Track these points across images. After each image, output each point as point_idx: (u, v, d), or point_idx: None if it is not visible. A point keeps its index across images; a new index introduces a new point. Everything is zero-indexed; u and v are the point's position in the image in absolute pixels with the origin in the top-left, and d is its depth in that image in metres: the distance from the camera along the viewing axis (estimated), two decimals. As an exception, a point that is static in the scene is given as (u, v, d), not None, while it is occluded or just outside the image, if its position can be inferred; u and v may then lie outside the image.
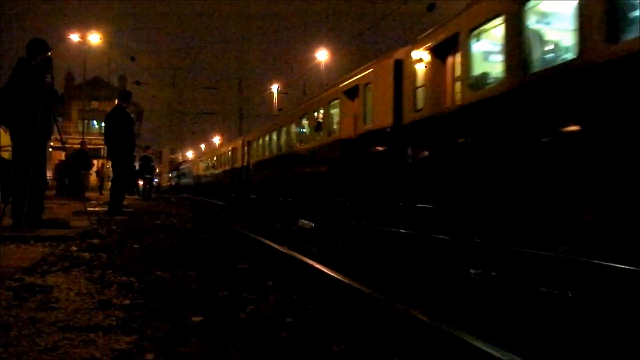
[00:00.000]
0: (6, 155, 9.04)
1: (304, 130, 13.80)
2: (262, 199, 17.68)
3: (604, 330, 3.24)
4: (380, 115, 8.93)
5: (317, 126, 12.48)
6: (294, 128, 14.82)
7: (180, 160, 69.19)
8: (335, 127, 11.40)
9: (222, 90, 67.35)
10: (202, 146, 74.59)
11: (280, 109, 32.80)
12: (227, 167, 25.75)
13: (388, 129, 8.61)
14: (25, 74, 5.76)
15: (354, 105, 10.36)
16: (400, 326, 2.78)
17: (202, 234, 7.50)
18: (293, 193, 13.94)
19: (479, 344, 2.27)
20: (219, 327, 2.56)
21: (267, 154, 18.16)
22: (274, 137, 17.07)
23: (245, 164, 21.59)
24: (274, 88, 40.47)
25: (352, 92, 10.38)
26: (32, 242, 4.92)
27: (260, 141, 19.29)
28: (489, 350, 2.19)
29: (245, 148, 21.69)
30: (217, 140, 67.03)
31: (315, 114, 12.61)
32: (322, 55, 34.01)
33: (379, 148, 8.98)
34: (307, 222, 11.32)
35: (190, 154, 74.75)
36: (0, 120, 6.76)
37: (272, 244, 5.89)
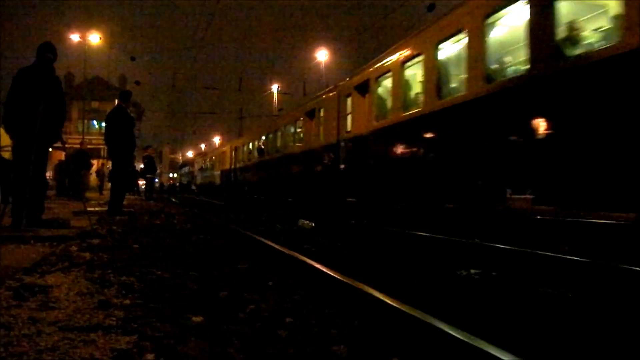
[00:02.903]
0: (6, 155, 9.07)
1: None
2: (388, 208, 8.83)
3: (603, 330, 3.24)
4: None
5: None
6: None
7: (181, 160, 68.62)
8: None
9: (222, 90, 67.47)
10: (202, 146, 74.64)
11: (280, 109, 32.78)
12: (302, 149, 14.70)
13: None
14: (29, 76, 5.80)
15: None
16: (400, 326, 2.78)
17: (202, 233, 7.50)
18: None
19: (477, 343, 2.26)
20: (219, 327, 2.56)
21: (419, 104, 8.33)
22: (442, 65, 7.79)
23: (337, 139, 11.53)
24: (274, 88, 40.50)
25: None
26: (32, 242, 4.92)
27: (388, 82, 9.45)
28: (489, 350, 2.18)
29: (341, 107, 11.49)
30: (217, 140, 67.04)
31: None
32: (322, 55, 34.15)
33: None
34: None
35: (190, 154, 74.62)
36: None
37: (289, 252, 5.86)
